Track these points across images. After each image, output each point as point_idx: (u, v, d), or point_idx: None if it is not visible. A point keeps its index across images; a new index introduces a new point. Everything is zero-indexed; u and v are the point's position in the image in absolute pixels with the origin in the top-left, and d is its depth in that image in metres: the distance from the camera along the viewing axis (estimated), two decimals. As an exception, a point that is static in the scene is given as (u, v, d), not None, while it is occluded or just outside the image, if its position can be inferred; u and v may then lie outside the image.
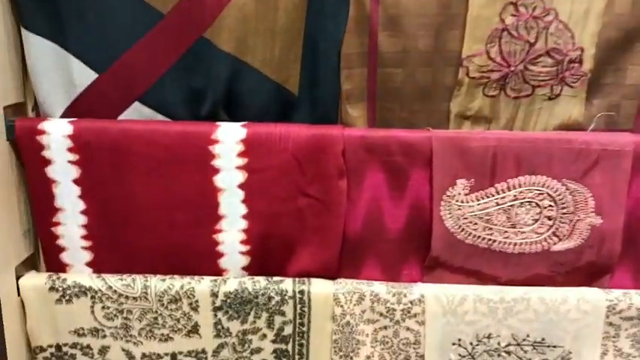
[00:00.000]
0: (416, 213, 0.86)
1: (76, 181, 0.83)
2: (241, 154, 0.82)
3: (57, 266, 0.88)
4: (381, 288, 0.86)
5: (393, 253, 0.88)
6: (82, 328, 0.87)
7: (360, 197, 0.85)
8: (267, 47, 0.83)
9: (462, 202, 0.84)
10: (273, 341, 0.87)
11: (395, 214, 0.86)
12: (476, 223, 0.85)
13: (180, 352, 0.88)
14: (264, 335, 0.87)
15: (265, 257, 0.88)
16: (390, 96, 0.86)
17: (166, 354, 0.88)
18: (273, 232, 0.86)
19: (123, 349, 0.88)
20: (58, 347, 0.87)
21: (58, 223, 0.85)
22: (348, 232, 0.86)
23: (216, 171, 0.83)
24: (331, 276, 0.88)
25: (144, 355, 0.88)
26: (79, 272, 0.88)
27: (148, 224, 0.85)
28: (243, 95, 0.86)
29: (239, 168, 0.83)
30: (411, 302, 0.85)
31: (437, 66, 0.85)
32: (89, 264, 0.88)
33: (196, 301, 0.85)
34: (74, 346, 0.88)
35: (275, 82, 0.85)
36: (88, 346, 0.88)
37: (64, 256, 0.87)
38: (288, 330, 0.87)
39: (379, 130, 0.86)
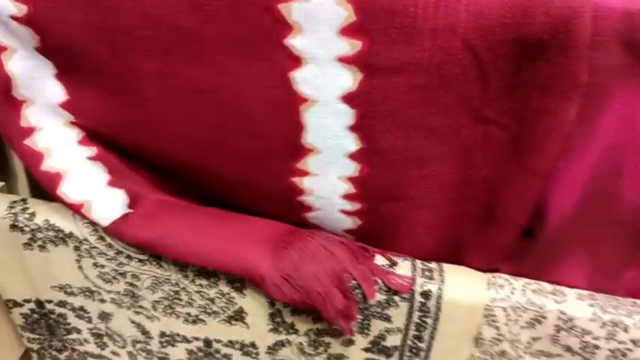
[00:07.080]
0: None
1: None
2: (347, 31, 0.37)
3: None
4: (581, 309, 0.45)
5: (617, 243, 0.45)
6: (70, 286, 0.55)
7: (589, 141, 0.40)
8: None
9: None
10: (367, 350, 0.52)
11: (645, 177, 0.42)
12: None
13: (218, 341, 0.55)
14: (351, 341, 0.52)
15: (383, 222, 0.49)
16: None
17: (196, 338, 0.56)
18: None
19: (132, 321, 0.57)
20: (40, 303, 0.58)
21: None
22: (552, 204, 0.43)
23: (294, 60, 0.40)
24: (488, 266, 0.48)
25: (163, 334, 0.56)
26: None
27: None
28: None
29: (343, 61, 0.39)
30: (634, 343, 0.45)
31: None
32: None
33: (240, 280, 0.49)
34: (62, 304, 0.57)
35: None
36: (82, 309, 0.57)
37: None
38: (393, 341, 0.50)
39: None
